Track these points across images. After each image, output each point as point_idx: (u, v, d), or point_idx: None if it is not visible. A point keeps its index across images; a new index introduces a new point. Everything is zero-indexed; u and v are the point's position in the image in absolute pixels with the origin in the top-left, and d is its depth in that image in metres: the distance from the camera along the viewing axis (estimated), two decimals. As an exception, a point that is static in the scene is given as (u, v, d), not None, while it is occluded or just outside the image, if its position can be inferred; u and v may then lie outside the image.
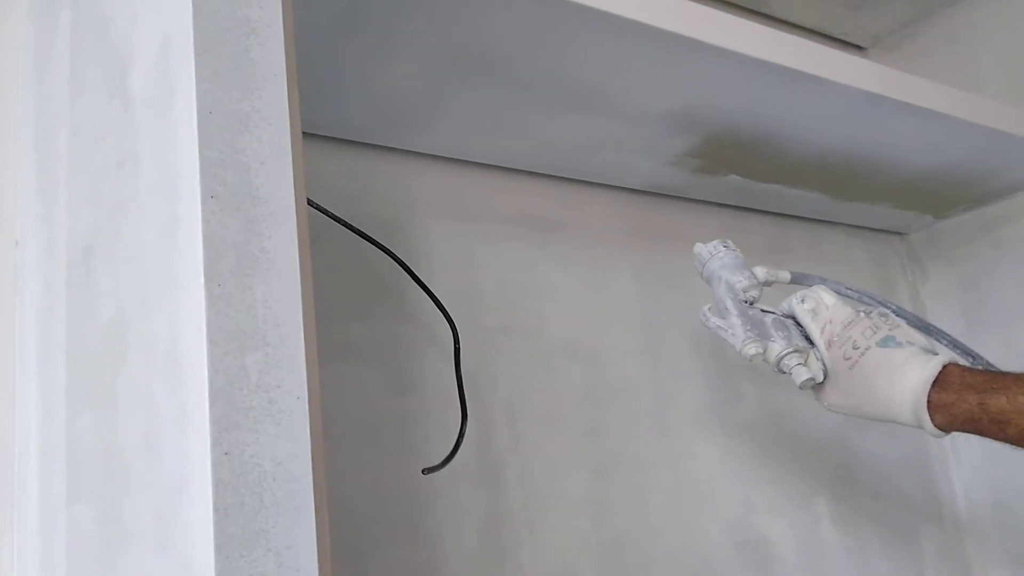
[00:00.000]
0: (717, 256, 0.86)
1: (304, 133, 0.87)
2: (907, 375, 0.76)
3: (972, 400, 0.73)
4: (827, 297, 0.84)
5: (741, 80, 0.88)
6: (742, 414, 1.14)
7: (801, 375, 0.80)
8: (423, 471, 0.70)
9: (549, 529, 0.93)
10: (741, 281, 0.83)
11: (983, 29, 1.33)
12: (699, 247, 0.88)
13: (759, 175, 1.12)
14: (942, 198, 1.28)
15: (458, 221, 0.97)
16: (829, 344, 0.82)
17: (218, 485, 0.41)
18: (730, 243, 0.87)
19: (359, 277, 0.88)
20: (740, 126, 0.98)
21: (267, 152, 0.47)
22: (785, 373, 0.82)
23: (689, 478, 1.06)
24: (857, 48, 1.48)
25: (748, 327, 0.81)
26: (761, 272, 0.86)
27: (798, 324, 0.84)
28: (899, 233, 1.42)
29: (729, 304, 0.83)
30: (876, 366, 0.78)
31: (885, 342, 0.79)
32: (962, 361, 0.79)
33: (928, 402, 0.75)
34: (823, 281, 0.88)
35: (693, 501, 1.06)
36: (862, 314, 0.82)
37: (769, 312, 0.84)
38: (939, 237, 1.38)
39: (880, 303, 0.88)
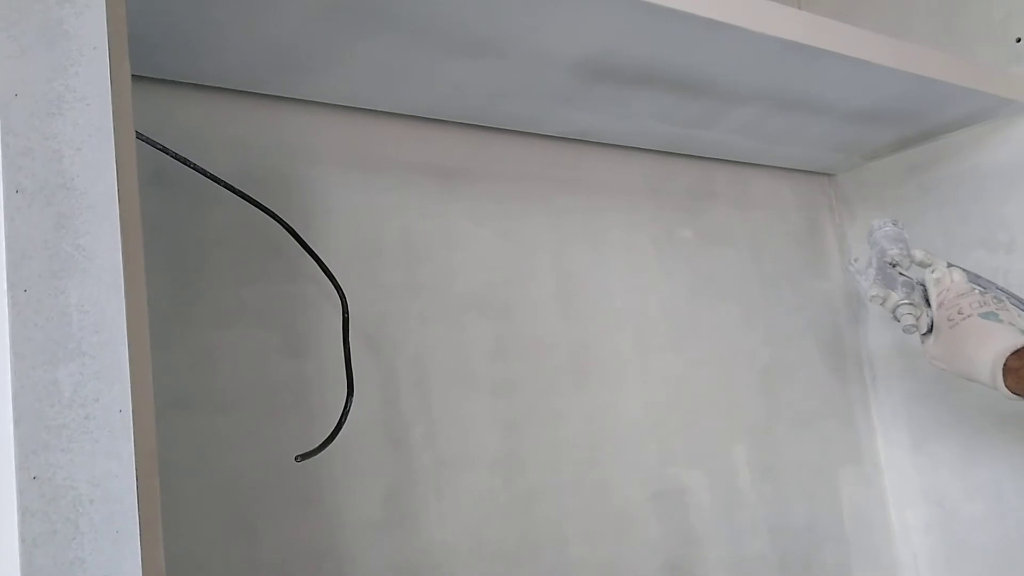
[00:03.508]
0: (883, 229, 1.03)
1: (189, 84, 0.83)
2: (995, 343, 0.90)
3: None
4: (956, 274, 0.99)
5: (653, 27, 0.83)
6: (660, 366, 1.13)
7: (907, 320, 0.97)
8: (296, 458, 0.67)
9: (457, 489, 0.92)
10: (892, 249, 1.01)
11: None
12: (874, 220, 1.05)
13: (681, 121, 1.08)
14: (870, 140, 1.26)
15: (359, 172, 0.93)
16: (940, 305, 0.97)
17: (24, 513, 0.38)
18: (899, 222, 1.04)
19: (249, 237, 0.83)
20: (656, 73, 0.93)
21: (84, 137, 0.42)
22: (898, 321, 0.98)
23: (605, 431, 1.05)
24: (790, -17, 1.44)
25: (879, 278, 0.99)
26: (919, 253, 1.02)
27: (926, 291, 1.00)
28: (828, 174, 1.40)
29: (873, 260, 1.02)
30: (973, 331, 0.92)
31: (987, 315, 0.93)
32: None
33: (1005, 366, 0.88)
34: (977, 278, 1.01)
35: (609, 454, 1.05)
36: (977, 291, 0.97)
37: (905, 276, 1.01)
38: (867, 178, 1.36)
39: (1018, 301, 1.00)
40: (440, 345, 0.94)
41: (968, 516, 1.25)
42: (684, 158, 1.23)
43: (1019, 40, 1.17)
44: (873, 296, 0.99)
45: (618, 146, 1.15)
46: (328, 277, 0.77)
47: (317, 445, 0.68)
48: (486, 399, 0.96)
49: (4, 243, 0.40)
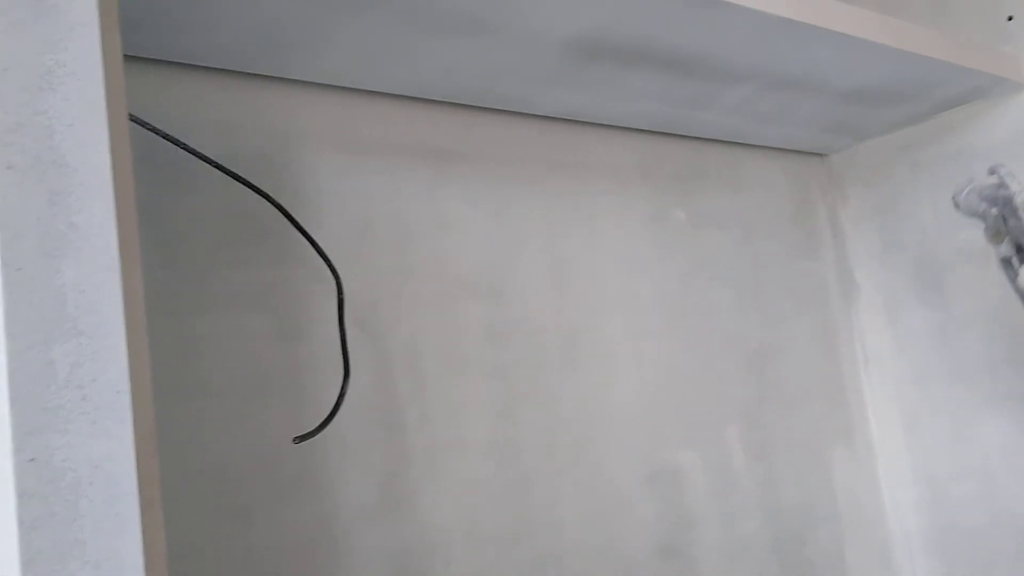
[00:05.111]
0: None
1: (175, 64, 0.82)
2: None
3: None
4: None
5: (646, 5, 0.82)
6: (652, 348, 1.12)
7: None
8: (294, 440, 0.66)
9: (452, 474, 0.91)
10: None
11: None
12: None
13: (674, 100, 1.08)
14: (863, 120, 1.25)
15: (350, 154, 0.91)
16: None
17: (23, 495, 0.37)
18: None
19: (240, 220, 0.82)
20: (649, 52, 0.93)
21: (75, 113, 0.41)
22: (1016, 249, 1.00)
23: (598, 414, 1.05)
24: (781, -40, 1.43)
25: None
26: None
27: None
28: (820, 155, 1.40)
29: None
30: None
31: None
32: None
33: None
34: None
35: (602, 437, 1.04)
36: None
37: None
38: (859, 159, 1.36)
39: None
40: (433, 328, 0.93)
41: (959, 496, 1.25)
42: (676, 138, 1.22)
43: (1011, 18, 1.16)
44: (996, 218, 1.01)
45: (611, 126, 1.14)
46: (323, 258, 0.76)
47: (315, 427, 0.67)
48: (479, 383, 0.96)
49: (-3, 221, 0.39)
